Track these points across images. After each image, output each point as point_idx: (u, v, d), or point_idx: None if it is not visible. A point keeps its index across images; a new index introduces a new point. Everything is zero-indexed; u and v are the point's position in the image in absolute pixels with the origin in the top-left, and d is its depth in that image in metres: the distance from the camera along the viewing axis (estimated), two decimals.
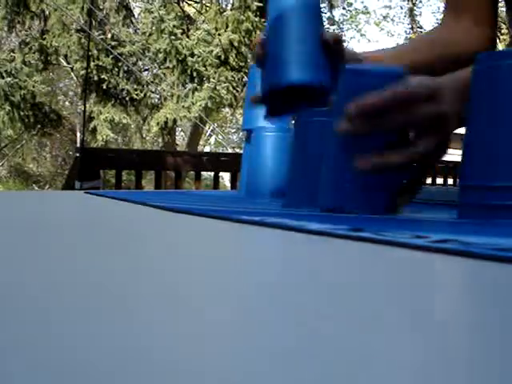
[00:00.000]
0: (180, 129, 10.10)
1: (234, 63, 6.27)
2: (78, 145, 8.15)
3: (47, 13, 6.42)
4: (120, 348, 0.12)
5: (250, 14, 6.15)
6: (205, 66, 6.18)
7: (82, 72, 6.14)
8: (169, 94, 6.23)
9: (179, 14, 6.47)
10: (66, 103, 11.15)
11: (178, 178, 2.84)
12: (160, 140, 7.44)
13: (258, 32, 6.32)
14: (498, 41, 0.83)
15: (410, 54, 0.74)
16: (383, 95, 0.45)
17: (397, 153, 0.45)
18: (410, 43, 0.87)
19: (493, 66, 0.42)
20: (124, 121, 6.64)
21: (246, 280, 0.20)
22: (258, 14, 6.22)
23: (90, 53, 5.40)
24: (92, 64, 5.98)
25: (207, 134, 11.40)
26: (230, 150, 8.06)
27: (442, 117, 0.47)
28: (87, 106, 5.14)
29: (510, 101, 0.41)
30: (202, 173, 2.97)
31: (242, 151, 0.82)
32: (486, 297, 0.19)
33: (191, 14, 7.09)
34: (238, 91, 6.30)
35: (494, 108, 0.42)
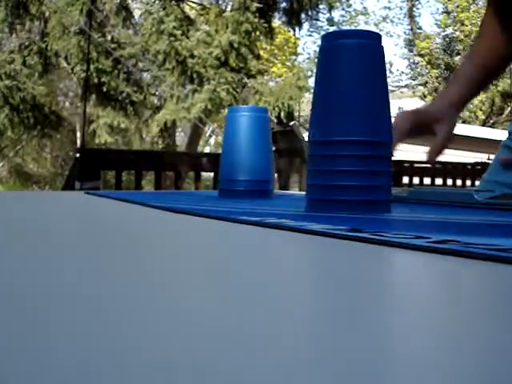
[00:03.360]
0: (180, 130, 10.09)
1: (233, 64, 6.26)
2: (78, 145, 8.14)
3: (47, 14, 6.41)
4: (120, 351, 0.12)
5: (249, 15, 6.15)
6: (204, 67, 6.18)
7: (83, 75, 6.14)
8: (168, 95, 6.23)
9: (179, 15, 6.46)
10: (67, 104, 11.15)
11: (178, 178, 2.84)
12: (160, 141, 7.44)
13: (257, 33, 6.31)
14: None
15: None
16: None
17: None
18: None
19: (335, 44, 0.48)
20: (123, 125, 6.64)
21: (245, 280, 0.21)
22: (258, 15, 6.21)
23: (89, 55, 5.40)
24: (92, 67, 5.98)
25: (207, 135, 11.39)
26: None
27: None
28: (87, 108, 5.14)
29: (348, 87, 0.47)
30: (202, 173, 2.97)
31: None
32: (487, 298, 0.19)
33: (191, 16, 7.08)
34: (237, 92, 6.29)
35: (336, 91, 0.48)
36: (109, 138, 6.57)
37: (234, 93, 6.22)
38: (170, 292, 0.18)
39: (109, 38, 6.49)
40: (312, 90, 0.52)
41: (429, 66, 12.64)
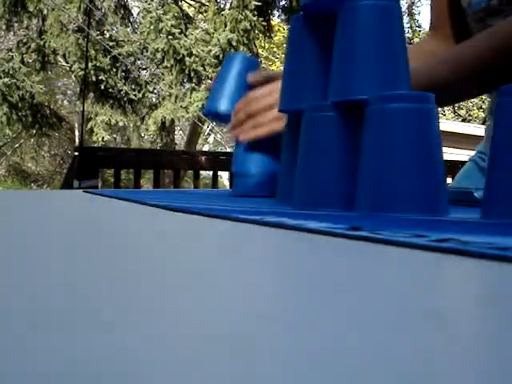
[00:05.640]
0: (179, 128, 10.09)
1: None
2: (77, 144, 8.14)
3: (45, 12, 6.40)
4: (120, 353, 0.12)
5: (248, 12, 6.14)
6: (203, 65, 6.17)
7: (81, 73, 6.14)
8: (167, 93, 6.23)
9: (177, 13, 6.45)
10: (65, 102, 11.14)
11: (177, 176, 2.84)
12: (158, 140, 7.45)
13: (256, 31, 6.31)
14: None
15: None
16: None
17: None
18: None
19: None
20: (121, 123, 6.64)
21: (245, 280, 0.20)
22: (256, 13, 6.21)
23: (87, 53, 5.39)
24: (90, 64, 5.97)
25: (206, 133, 11.40)
26: (228, 149, 8.05)
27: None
28: (85, 106, 5.14)
29: None
30: (201, 172, 2.97)
31: None
32: (486, 296, 0.19)
33: (189, 14, 7.07)
34: None
35: None
36: (107, 136, 6.58)
37: None
38: (168, 292, 0.18)
39: (107, 35, 6.48)
40: None
41: None
